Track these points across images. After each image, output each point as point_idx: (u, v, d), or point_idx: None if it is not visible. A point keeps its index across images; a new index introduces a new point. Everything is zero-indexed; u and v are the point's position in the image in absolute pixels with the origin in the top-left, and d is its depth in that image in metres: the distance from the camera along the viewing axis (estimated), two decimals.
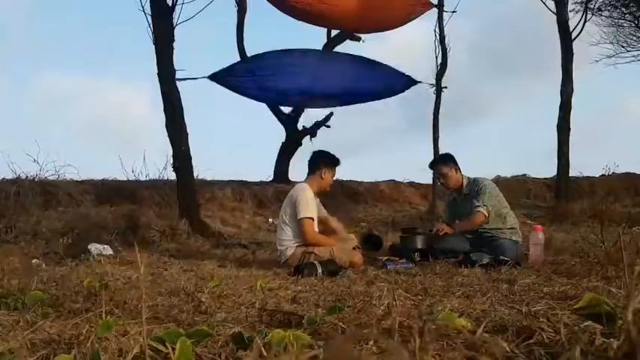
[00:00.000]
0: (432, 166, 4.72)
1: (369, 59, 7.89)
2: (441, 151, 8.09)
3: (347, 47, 10.35)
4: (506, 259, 3.60)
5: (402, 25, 8.06)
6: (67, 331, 1.64)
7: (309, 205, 3.96)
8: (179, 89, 6.49)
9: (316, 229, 4.03)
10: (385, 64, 7.90)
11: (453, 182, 4.38)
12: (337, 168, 4.25)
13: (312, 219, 3.97)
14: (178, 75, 6.48)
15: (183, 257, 4.63)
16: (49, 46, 22.13)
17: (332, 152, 4.27)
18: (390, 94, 8.11)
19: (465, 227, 4.23)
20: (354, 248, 4.07)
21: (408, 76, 7.96)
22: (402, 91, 8.04)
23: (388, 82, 7.94)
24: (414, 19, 7.96)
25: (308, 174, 4.22)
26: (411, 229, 4.65)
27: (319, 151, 4.31)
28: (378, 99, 8.21)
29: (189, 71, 6.86)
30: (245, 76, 7.54)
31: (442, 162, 4.48)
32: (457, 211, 4.45)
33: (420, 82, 8.00)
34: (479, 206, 4.14)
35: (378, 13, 7.56)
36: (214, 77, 7.27)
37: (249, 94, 7.76)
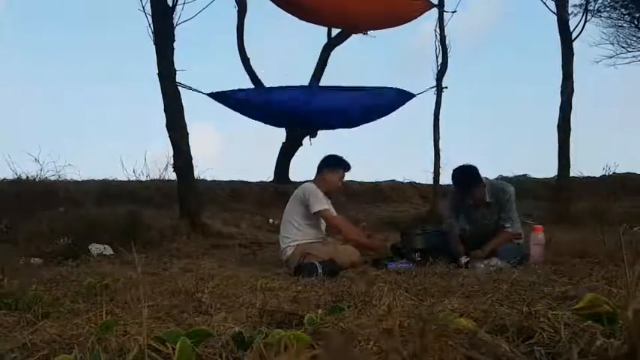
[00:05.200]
0: (462, 188, 4.15)
1: (363, 86, 7.87)
2: (442, 151, 8.12)
3: (347, 46, 10.39)
4: (499, 264, 3.61)
5: (402, 23, 8.08)
6: (67, 331, 1.64)
7: (320, 199, 4.01)
8: (179, 89, 6.51)
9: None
10: (380, 87, 7.88)
11: (481, 195, 4.09)
12: (346, 173, 4.27)
13: (328, 209, 4.03)
14: (179, 76, 6.52)
15: (184, 257, 4.63)
16: (49, 45, 22.13)
17: (341, 156, 4.30)
18: (391, 108, 8.08)
19: (495, 247, 3.96)
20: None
21: (404, 90, 7.95)
22: (402, 104, 8.03)
23: (388, 98, 7.90)
24: (414, 18, 7.97)
25: (316, 174, 4.27)
26: (411, 230, 4.62)
27: (329, 154, 4.35)
28: (383, 114, 8.19)
29: (190, 71, 6.90)
30: (244, 98, 7.60)
31: (475, 184, 4.05)
32: (468, 216, 4.22)
33: (416, 94, 8.00)
34: (509, 227, 4.01)
35: (378, 11, 7.57)
36: (214, 95, 7.32)
37: (248, 114, 7.83)
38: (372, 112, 8.01)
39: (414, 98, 7.96)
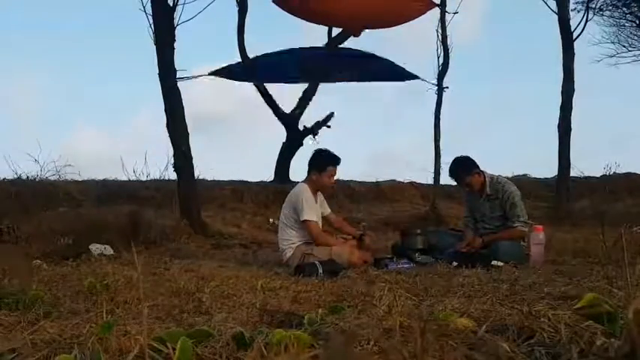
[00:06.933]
0: (454, 177, 4.31)
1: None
2: (442, 151, 8.11)
3: (347, 46, 10.39)
4: (499, 264, 3.61)
5: (404, 23, 8.11)
6: (67, 331, 1.64)
7: (309, 206, 3.97)
8: (180, 89, 6.51)
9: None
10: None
11: (478, 186, 4.18)
12: (337, 167, 4.19)
13: (315, 220, 3.98)
14: (179, 76, 6.51)
15: (184, 257, 4.63)
16: (49, 45, 22.15)
17: (332, 151, 4.24)
18: (396, 75, 8.43)
19: (498, 239, 4.03)
20: (360, 238, 4.17)
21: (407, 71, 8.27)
22: (406, 78, 8.27)
23: (393, 66, 8.29)
24: (415, 17, 7.97)
25: (307, 173, 4.22)
26: (411, 230, 4.61)
27: (316, 150, 4.28)
28: (387, 76, 8.61)
29: (190, 72, 6.91)
30: (246, 69, 7.73)
31: (466, 173, 4.18)
32: (476, 210, 4.30)
33: (420, 78, 8.18)
34: (519, 225, 4.04)
35: (380, 10, 7.58)
36: (215, 72, 7.38)
37: (250, 79, 7.96)
38: (380, 68, 8.49)
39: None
